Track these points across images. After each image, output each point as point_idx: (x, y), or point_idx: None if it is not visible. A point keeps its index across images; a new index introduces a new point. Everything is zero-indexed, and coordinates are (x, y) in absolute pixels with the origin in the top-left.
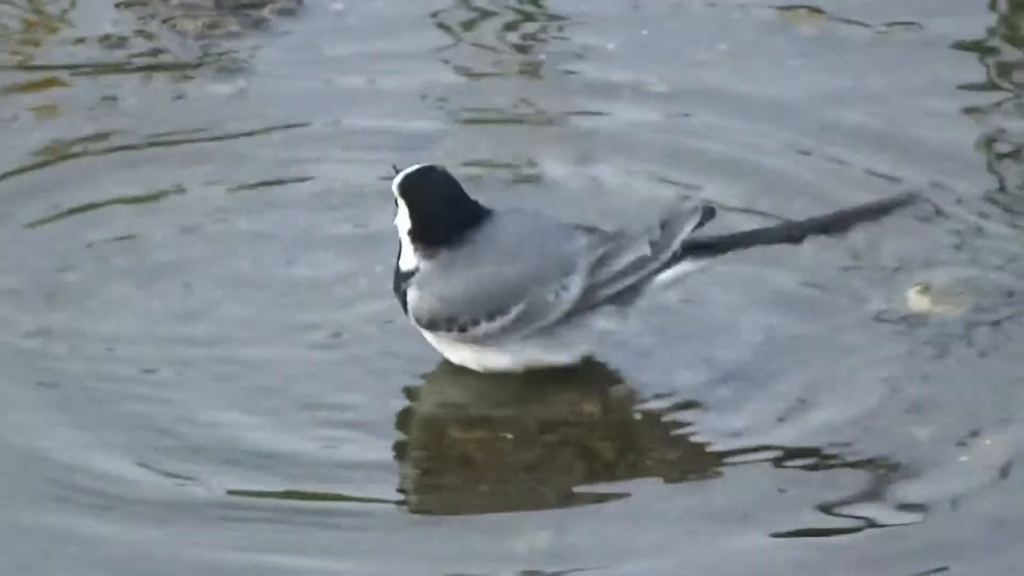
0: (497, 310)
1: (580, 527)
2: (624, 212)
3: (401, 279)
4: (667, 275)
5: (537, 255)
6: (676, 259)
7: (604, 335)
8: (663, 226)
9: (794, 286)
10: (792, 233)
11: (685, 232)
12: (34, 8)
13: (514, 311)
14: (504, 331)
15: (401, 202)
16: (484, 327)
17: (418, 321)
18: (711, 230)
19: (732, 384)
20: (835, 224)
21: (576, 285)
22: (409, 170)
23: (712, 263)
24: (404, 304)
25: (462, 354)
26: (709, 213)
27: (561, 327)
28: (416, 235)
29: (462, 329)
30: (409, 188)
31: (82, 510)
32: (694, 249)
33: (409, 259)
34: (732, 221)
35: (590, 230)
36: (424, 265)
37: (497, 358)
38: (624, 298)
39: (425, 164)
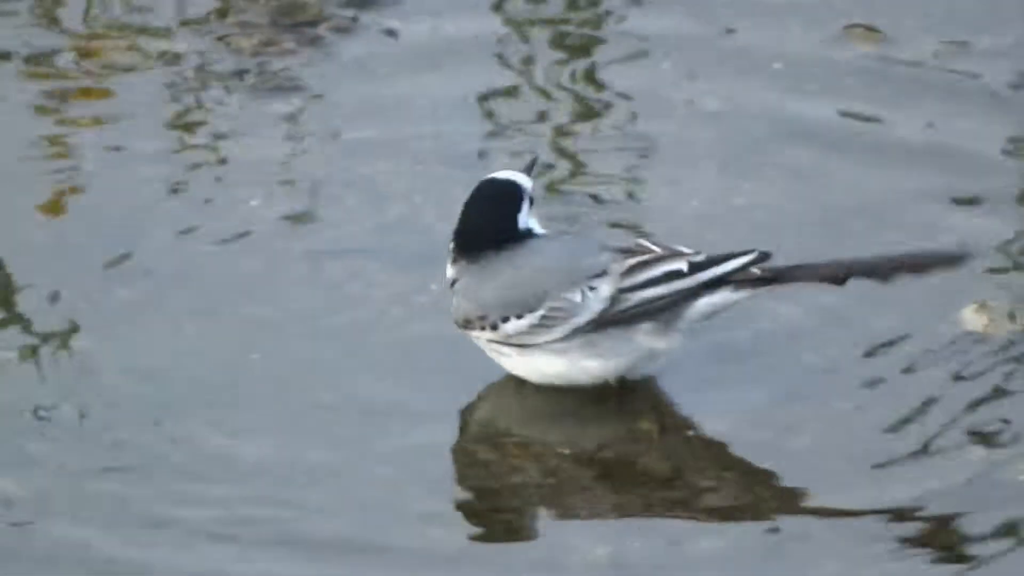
0: (524, 307)
1: (636, 544)
2: (679, 229)
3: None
4: (707, 300)
5: (564, 258)
6: (717, 285)
7: (647, 352)
8: (710, 256)
9: (847, 304)
10: (837, 273)
11: (730, 265)
12: (91, 25)
13: (541, 309)
14: (535, 330)
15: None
16: (513, 324)
17: (456, 323)
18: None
19: (790, 405)
20: (881, 269)
21: (605, 288)
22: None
23: (755, 294)
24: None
25: (513, 362)
26: (763, 256)
27: (600, 336)
28: (456, 241)
29: (493, 327)
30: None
31: None
32: (738, 279)
33: (450, 268)
34: (786, 244)
35: (629, 250)
36: (463, 273)
37: (544, 364)
38: (663, 316)
39: (502, 173)
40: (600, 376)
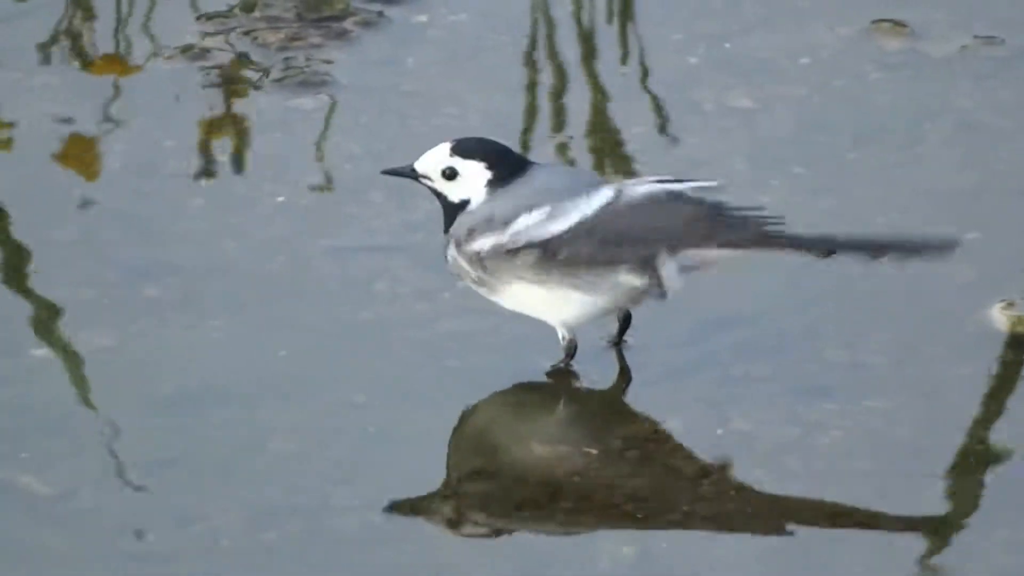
0: (530, 205)
1: (663, 544)
2: None
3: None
4: (691, 254)
5: (571, 174)
6: (701, 240)
7: (629, 290)
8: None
9: (872, 300)
10: (825, 246)
11: (715, 226)
12: (119, 19)
13: (545, 207)
14: (542, 224)
15: (479, 167)
16: (523, 219)
17: (457, 242)
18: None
19: (816, 403)
20: (869, 248)
21: (600, 199)
22: (467, 138)
23: (743, 255)
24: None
25: (499, 293)
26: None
27: (585, 272)
28: (495, 184)
29: (503, 224)
30: (488, 151)
31: None
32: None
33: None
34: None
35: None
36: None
37: (540, 294)
38: (644, 260)
39: (467, 136)
40: (582, 310)
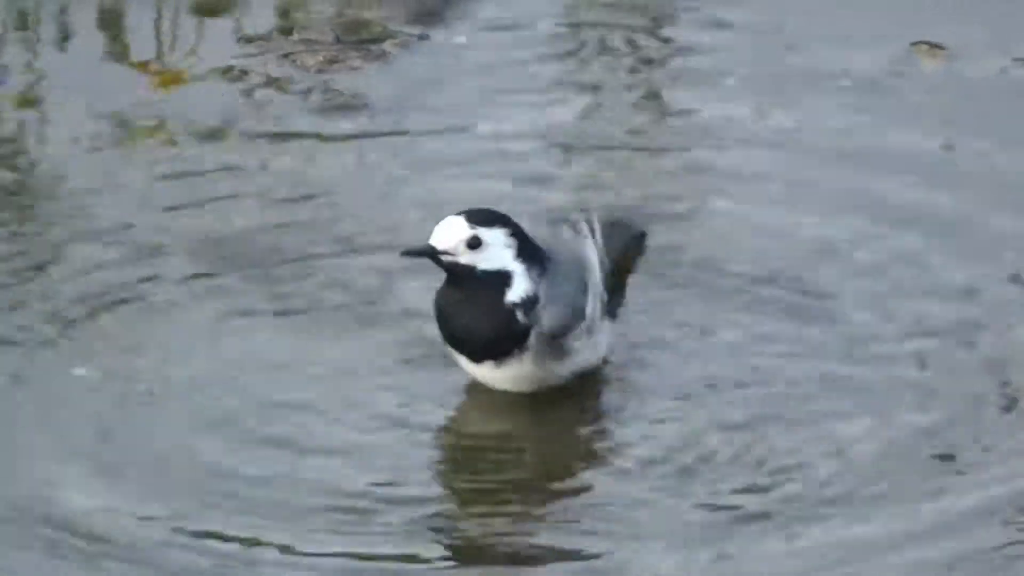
0: (586, 286)
1: (703, 555)
2: (747, 246)
3: (513, 314)
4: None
5: (581, 258)
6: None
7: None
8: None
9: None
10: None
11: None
12: (158, 40)
13: (591, 281)
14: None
15: (502, 234)
16: (589, 305)
17: (553, 332)
18: None
19: (854, 413)
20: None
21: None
22: (476, 208)
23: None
24: (510, 341)
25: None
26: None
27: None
28: (531, 260)
29: (583, 318)
30: (504, 217)
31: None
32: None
33: (523, 288)
34: (846, 259)
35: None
36: (540, 285)
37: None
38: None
39: (472, 207)
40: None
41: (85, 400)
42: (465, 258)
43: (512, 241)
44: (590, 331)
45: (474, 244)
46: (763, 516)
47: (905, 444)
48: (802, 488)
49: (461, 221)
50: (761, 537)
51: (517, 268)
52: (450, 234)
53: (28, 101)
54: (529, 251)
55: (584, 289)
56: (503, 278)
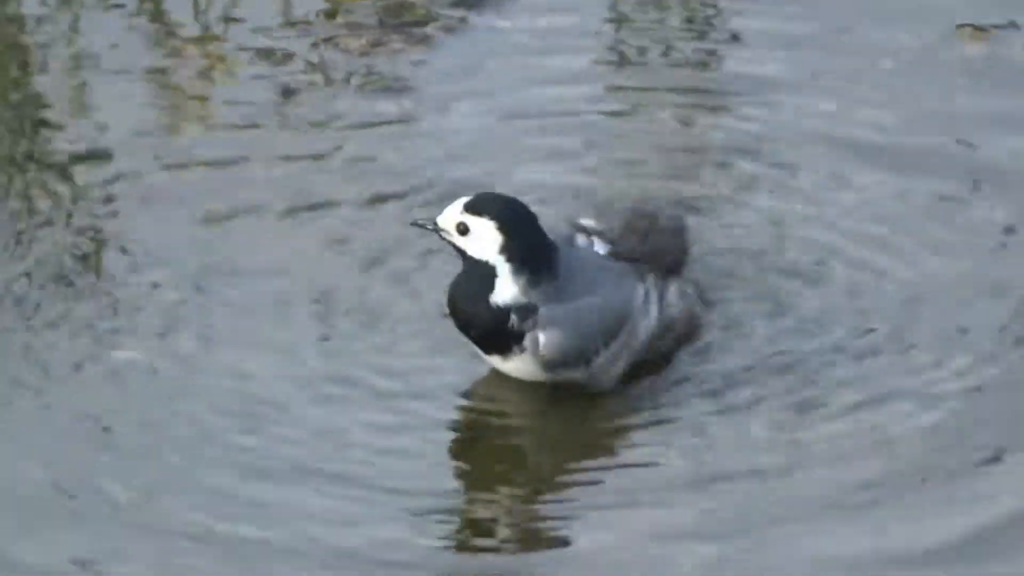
0: (612, 337)
1: (745, 543)
2: (785, 235)
3: (502, 315)
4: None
5: (624, 281)
6: None
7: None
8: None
9: (939, 303)
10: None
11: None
12: (200, 26)
13: (621, 336)
14: (614, 357)
15: (489, 226)
16: (603, 355)
17: (547, 363)
18: None
19: (887, 407)
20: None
21: (654, 308)
22: (483, 194)
23: None
24: (504, 340)
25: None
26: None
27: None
28: (521, 263)
29: (588, 362)
30: (502, 211)
31: None
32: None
33: (508, 291)
34: (879, 256)
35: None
36: (538, 299)
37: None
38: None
39: (485, 192)
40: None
41: (126, 383)
42: (459, 241)
43: (498, 236)
44: (595, 373)
45: (463, 230)
46: (781, 513)
47: (951, 439)
48: (823, 481)
49: (459, 205)
50: (779, 533)
51: (500, 264)
52: (449, 216)
53: (72, 89)
54: (523, 253)
55: (608, 339)
56: (489, 270)
